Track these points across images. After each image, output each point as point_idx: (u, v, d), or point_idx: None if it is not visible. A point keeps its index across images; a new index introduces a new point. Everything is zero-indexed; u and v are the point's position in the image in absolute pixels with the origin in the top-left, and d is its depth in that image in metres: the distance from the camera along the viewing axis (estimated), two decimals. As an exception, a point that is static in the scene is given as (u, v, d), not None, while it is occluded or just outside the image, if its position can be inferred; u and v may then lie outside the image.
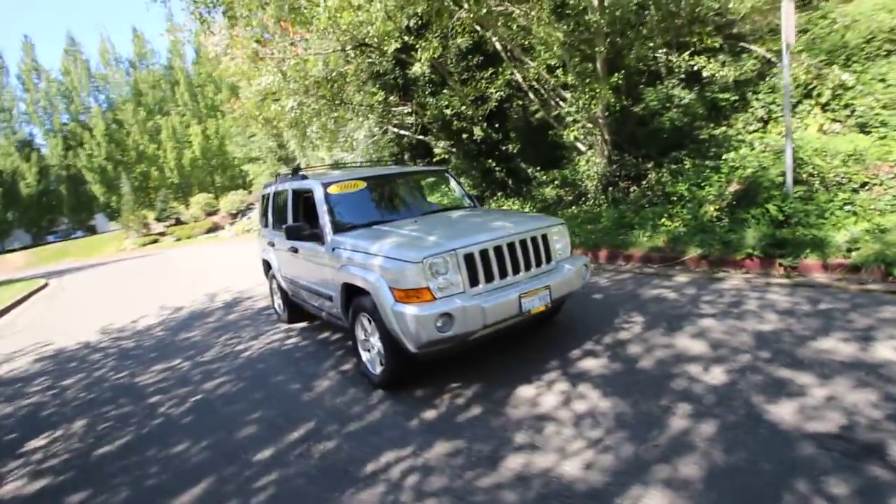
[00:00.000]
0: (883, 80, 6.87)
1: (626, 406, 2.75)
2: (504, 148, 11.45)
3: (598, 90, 7.57)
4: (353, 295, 3.59)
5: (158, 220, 30.52)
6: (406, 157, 14.22)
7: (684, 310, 4.13)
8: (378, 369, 3.47)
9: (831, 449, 2.15)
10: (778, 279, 4.56)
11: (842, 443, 2.18)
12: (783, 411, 2.49)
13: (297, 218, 4.76)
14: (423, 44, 8.12)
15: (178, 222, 28.59)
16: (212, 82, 34.71)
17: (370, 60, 11.05)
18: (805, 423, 2.36)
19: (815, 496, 1.91)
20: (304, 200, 4.66)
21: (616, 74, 7.57)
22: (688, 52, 7.71)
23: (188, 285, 10.13)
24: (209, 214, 28.91)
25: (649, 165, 8.81)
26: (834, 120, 7.31)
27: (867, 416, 2.34)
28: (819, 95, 7.51)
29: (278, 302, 5.86)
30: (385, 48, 8.89)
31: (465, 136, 10.64)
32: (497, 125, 11.15)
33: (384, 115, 12.23)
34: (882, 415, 2.33)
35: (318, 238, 4.02)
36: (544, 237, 3.53)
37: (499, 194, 11.25)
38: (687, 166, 8.06)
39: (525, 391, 3.11)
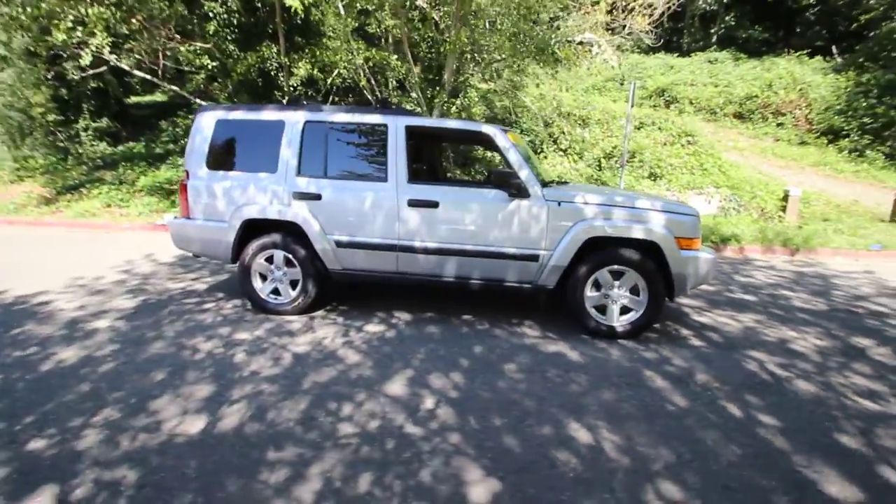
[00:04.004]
0: (583, 140, 11.33)
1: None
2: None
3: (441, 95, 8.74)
4: (590, 251, 3.52)
5: None
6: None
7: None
8: (619, 321, 3.58)
9: None
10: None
11: None
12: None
13: (413, 164, 3.74)
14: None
15: None
16: None
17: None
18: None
19: None
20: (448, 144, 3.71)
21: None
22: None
23: None
24: None
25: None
26: (573, 160, 11.34)
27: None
28: (560, 143, 11.43)
29: (272, 286, 3.96)
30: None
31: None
32: (308, 95, 10.17)
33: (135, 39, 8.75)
34: None
35: (519, 190, 3.52)
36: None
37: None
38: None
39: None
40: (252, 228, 3.92)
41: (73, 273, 5.08)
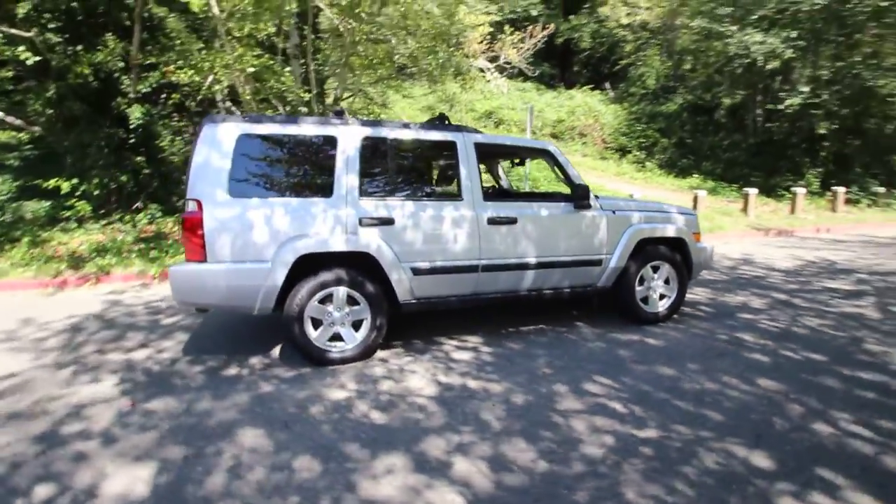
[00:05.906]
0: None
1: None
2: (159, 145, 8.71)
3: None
4: (642, 249, 4.05)
5: None
6: None
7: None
8: (661, 307, 4.18)
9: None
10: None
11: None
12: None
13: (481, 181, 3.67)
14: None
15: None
16: None
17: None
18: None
19: None
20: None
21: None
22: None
23: None
24: None
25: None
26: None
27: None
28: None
29: (330, 331, 3.33)
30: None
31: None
32: (157, 114, 8.39)
33: None
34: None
35: (584, 203, 3.82)
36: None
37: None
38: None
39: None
40: (299, 266, 3.23)
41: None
